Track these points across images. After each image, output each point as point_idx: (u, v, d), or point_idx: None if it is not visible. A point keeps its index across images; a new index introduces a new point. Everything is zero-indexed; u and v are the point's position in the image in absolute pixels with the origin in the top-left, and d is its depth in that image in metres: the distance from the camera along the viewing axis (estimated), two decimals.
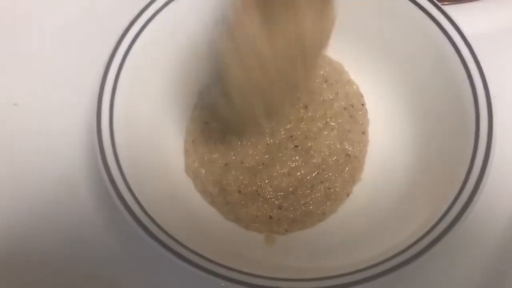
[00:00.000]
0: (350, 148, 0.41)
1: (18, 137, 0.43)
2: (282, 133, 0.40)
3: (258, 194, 0.39)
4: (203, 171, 0.40)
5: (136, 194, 0.32)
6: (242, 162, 0.39)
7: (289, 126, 0.40)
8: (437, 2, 0.37)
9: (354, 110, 0.42)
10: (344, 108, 0.42)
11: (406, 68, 0.40)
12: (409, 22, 0.38)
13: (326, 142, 0.40)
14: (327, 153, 0.40)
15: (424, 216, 0.33)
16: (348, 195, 0.40)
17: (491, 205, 0.39)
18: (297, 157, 0.40)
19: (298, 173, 0.39)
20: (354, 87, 0.43)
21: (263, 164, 0.39)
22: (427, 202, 0.34)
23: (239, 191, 0.39)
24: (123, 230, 0.39)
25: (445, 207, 0.32)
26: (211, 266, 0.30)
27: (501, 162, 0.34)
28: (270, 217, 0.38)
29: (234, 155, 0.40)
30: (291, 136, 0.40)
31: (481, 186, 0.31)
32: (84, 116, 0.43)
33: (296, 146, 0.40)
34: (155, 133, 0.39)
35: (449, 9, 0.37)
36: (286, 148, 0.40)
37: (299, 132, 0.40)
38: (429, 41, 0.37)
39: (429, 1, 0.37)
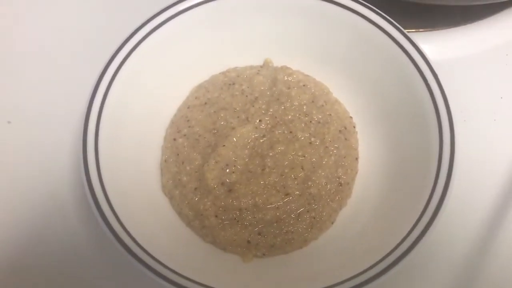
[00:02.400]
0: (344, 176, 0.40)
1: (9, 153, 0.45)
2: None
3: (237, 221, 0.38)
4: (177, 192, 0.39)
5: (118, 213, 0.33)
6: (219, 186, 0.39)
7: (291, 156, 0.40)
8: (404, 31, 0.39)
9: (348, 132, 0.42)
10: (340, 131, 0.42)
11: (378, 94, 0.42)
12: (379, 50, 0.40)
13: (326, 171, 0.40)
14: (323, 183, 0.39)
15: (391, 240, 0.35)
16: (332, 223, 0.39)
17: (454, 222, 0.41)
18: (293, 190, 0.39)
19: (288, 207, 0.38)
20: (342, 107, 0.44)
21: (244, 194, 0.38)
22: (395, 225, 0.36)
23: (216, 216, 0.38)
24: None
25: (408, 228, 0.33)
26: (189, 284, 0.32)
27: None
28: (248, 241, 0.38)
29: (200, 179, 0.39)
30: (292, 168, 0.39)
31: (441, 209, 0.33)
32: (72, 136, 0.44)
33: (295, 178, 0.39)
34: (138, 151, 0.39)
35: (420, 36, 0.40)
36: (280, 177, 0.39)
37: (298, 162, 0.39)
38: (396, 66, 0.39)
39: (398, 31, 0.39)
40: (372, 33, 0.40)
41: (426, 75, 0.37)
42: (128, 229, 0.33)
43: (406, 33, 0.39)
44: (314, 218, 0.39)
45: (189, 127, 0.42)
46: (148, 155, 0.41)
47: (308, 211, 0.39)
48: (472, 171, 0.43)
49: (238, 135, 0.40)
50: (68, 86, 0.47)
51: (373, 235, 0.37)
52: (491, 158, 0.44)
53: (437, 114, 0.36)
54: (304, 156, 0.40)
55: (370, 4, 0.40)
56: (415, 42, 0.38)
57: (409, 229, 0.34)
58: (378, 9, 0.39)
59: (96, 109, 0.37)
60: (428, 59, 0.37)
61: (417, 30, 0.49)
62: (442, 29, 0.49)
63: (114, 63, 0.38)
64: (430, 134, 0.36)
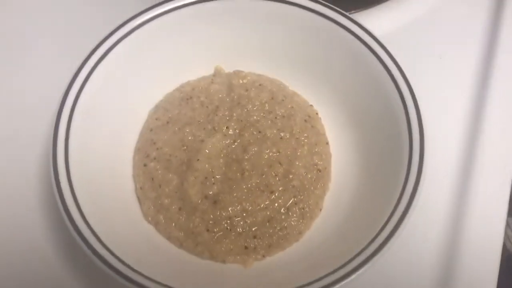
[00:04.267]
0: (320, 162, 0.41)
1: None
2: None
3: (230, 230, 0.37)
4: (161, 217, 0.38)
5: (110, 247, 0.32)
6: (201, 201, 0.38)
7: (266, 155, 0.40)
8: (346, 13, 0.40)
9: (313, 119, 0.43)
10: (305, 120, 0.42)
11: (331, 78, 0.43)
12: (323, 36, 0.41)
13: (303, 161, 0.40)
14: (303, 173, 0.40)
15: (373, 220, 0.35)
16: (320, 210, 0.40)
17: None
18: (277, 187, 0.39)
19: (276, 204, 0.38)
20: (301, 98, 0.44)
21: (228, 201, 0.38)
22: (374, 208, 0.36)
23: (208, 230, 0.37)
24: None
25: (394, 201, 0.34)
26: None
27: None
28: (246, 247, 0.37)
29: (182, 198, 0.38)
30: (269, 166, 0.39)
31: (423, 174, 0.35)
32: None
33: (275, 175, 0.39)
34: (111, 184, 0.38)
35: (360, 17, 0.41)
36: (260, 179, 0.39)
37: (274, 159, 0.40)
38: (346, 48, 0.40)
39: (344, 17, 0.40)
40: (308, 18, 0.41)
41: (377, 51, 0.39)
42: (127, 262, 0.32)
43: (347, 14, 0.40)
44: (303, 208, 0.39)
45: (157, 149, 0.41)
46: (121, 186, 0.39)
47: (296, 203, 0.39)
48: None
49: (210, 146, 0.40)
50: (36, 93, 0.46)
51: (361, 215, 0.38)
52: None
53: (397, 88, 0.38)
54: (279, 152, 0.40)
55: None
56: (358, 22, 0.40)
57: (395, 202, 0.34)
58: None
59: (61, 149, 0.35)
60: (373, 33, 0.39)
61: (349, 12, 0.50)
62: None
63: (68, 100, 0.36)
64: (394, 107, 0.38)
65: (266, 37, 0.44)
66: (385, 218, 0.34)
